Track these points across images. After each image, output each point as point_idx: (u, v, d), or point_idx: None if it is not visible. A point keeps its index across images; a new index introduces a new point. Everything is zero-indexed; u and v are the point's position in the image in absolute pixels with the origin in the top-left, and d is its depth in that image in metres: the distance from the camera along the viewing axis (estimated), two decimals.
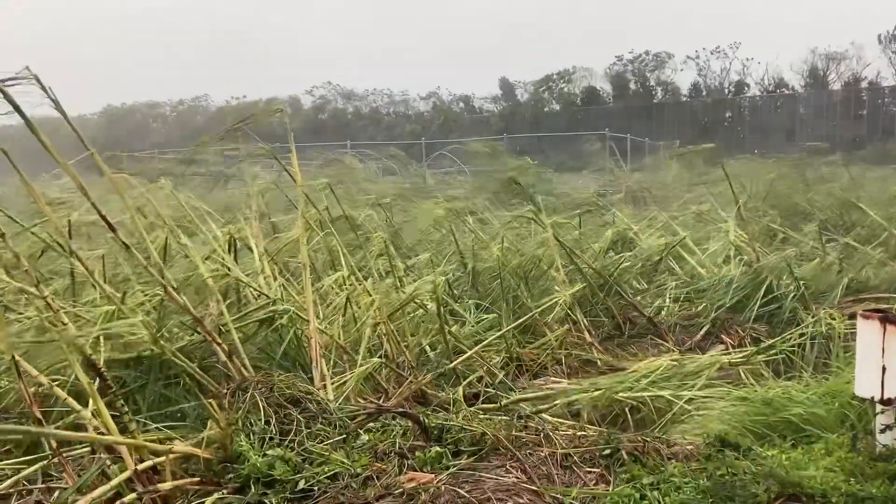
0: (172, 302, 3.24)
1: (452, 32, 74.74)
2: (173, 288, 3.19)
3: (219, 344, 3.22)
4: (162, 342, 3.30)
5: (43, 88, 2.63)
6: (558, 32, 67.99)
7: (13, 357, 2.34)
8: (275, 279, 4.25)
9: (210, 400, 2.79)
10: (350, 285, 4.30)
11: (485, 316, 5.01)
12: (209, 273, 3.71)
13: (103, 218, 2.96)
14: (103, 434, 2.49)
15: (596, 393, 3.72)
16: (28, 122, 2.70)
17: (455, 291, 5.41)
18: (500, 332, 4.46)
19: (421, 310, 4.49)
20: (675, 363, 4.14)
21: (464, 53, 69.89)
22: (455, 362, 4.01)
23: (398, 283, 4.87)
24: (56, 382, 2.85)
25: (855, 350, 2.96)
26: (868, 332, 2.82)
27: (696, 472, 2.62)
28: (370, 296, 4.21)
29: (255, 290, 4.02)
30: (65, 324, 2.57)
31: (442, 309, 4.21)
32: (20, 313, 3.50)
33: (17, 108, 2.62)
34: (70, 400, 2.61)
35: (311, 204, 4.71)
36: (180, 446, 2.64)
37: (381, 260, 5.62)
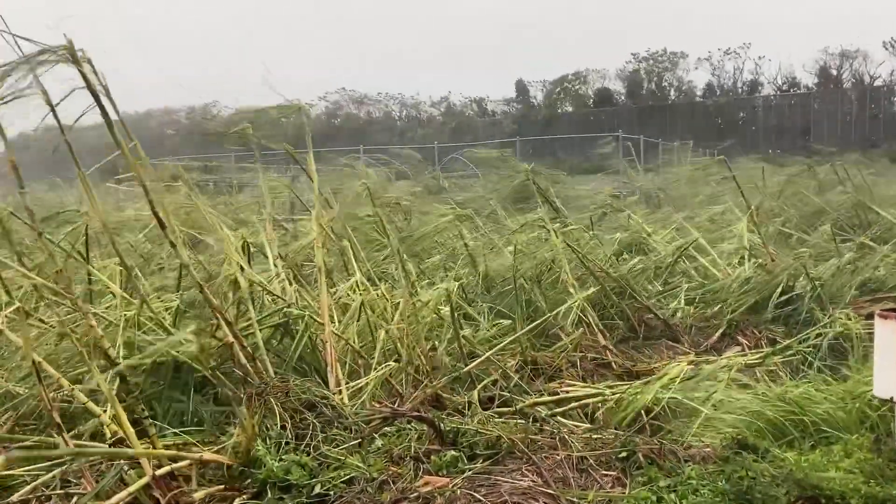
0: (206, 301, 3.23)
1: (453, 33, 74.81)
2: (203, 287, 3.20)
3: (242, 346, 3.24)
4: (203, 354, 3.29)
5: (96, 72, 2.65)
6: (559, 33, 67.98)
7: (34, 362, 2.36)
8: (290, 283, 4.26)
9: (241, 407, 2.80)
10: (364, 290, 4.31)
11: (499, 320, 5.00)
12: (229, 277, 3.72)
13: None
14: (122, 441, 2.50)
15: (612, 397, 3.71)
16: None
17: (469, 295, 5.40)
18: (514, 337, 4.44)
19: (435, 314, 4.49)
20: (691, 366, 4.12)
21: (463, 54, 70.02)
22: (470, 366, 4.00)
23: (412, 288, 4.87)
24: (74, 388, 2.87)
25: (872, 350, 2.93)
26: (886, 331, 2.80)
27: (714, 475, 2.61)
28: (386, 300, 4.22)
29: (272, 294, 4.03)
30: (92, 326, 2.59)
31: (456, 313, 4.20)
32: (41, 320, 3.52)
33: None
34: (91, 404, 2.63)
35: (328, 206, 4.72)
36: (210, 455, 2.66)
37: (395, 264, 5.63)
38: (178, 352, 3.26)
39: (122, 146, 2.77)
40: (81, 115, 2.64)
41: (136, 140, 2.96)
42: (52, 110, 2.58)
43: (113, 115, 2.73)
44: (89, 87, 2.57)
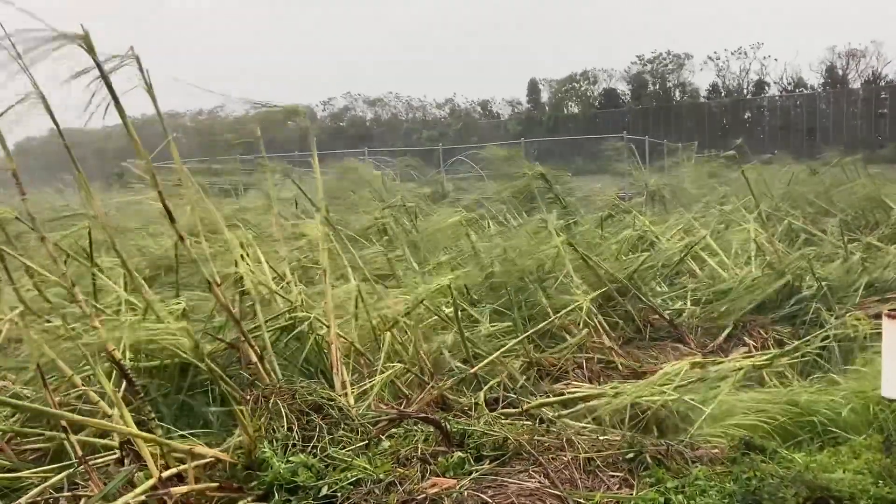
0: (216, 301, 3.23)
1: (457, 34, 74.60)
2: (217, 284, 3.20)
3: (252, 346, 3.23)
4: (198, 350, 3.29)
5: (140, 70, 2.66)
6: (560, 35, 67.75)
7: (38, 365, 2.36)
8: (295, 285, 4.26)
9: (240, 407, 2.80)
10: (368, 291, 4.30)
11: (501, 321, 4.98)
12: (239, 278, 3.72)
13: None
14: (130, 443, 2.50)
15: (618, 398, 3.70)
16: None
17: (473, 296, 5.39)
18: (519, 339, 4.43)
19: (438, 314, 4.48)
20: (697, 367, 4.10)
21: (467, 57, 69.78)
22: (475, 368, 4.00)
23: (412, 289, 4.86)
24: (80, 390, 2.88)
25: (881, 350, 2.91)
26: (894, 332, 2.78)
27: (722, 476, 2.60)
28: (388, 300, 4.22)
29: (279, 295, 4.03)
30: (96, 327, 2.58)
31: (458, 313, 4.20)
32: (47, 321, 3.53)
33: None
34: (102, 403, 2.63)
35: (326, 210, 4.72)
36: (205, 450, 2.66)
37: (400, 264, 5.63)
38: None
39: (138, 145, 2.77)
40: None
41: (171, 137, 2.97)
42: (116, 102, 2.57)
43: (129, 113, 2.72)
44: (107, 82, 2.57)
